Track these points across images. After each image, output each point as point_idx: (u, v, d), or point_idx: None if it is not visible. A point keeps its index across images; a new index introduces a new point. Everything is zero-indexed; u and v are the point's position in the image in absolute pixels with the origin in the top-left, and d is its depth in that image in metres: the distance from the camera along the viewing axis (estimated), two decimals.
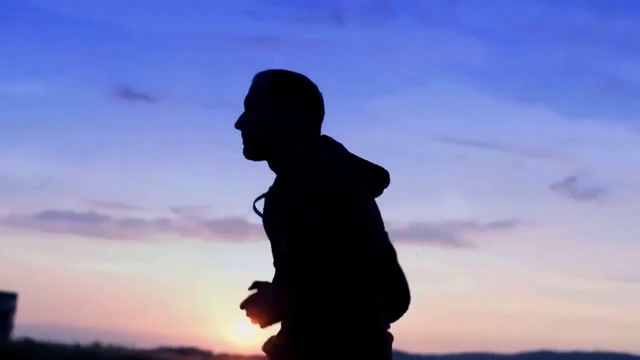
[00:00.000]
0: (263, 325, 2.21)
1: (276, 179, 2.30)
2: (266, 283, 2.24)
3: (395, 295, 2.38)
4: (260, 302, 2.17)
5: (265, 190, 2.33)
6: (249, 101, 2.46)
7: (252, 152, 2.44)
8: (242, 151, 2.45)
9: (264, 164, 2.46)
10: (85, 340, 25.03)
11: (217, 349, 25.85)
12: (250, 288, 2.23)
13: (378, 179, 2.42)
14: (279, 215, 2.22)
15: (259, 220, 2.35)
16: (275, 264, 2.33)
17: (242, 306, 2.21)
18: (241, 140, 2.46)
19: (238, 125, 2.46)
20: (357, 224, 2.23)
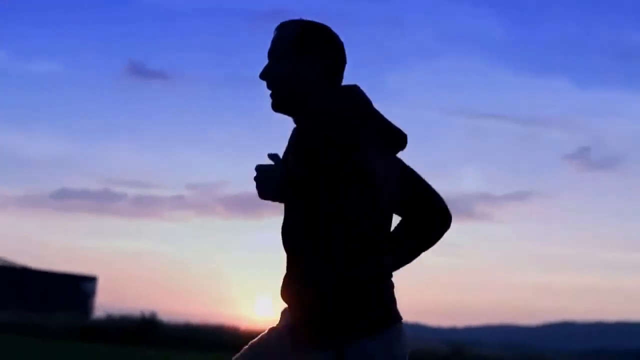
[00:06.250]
0: (261, 196, 2.34)
1: (297, 127, 2.41)
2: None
3: (431, 220, 2.45)
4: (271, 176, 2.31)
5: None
6: (273, 52, 2.49)
7: (280, 104, 2.47)
8: (270, 104, 2.48)
9: (283, 124, 2.49)
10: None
11: (241, 326, 25.90)
12: (270, 156, 2.36)
13: (395, 140, 2.43)
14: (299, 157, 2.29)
15: None
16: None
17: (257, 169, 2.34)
18: (266, 91, 2.48)
19: (263, 76, 2.49)
20: (359, 177, 2.27)
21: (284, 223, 2.41)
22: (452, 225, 2.47)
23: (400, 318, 2.37)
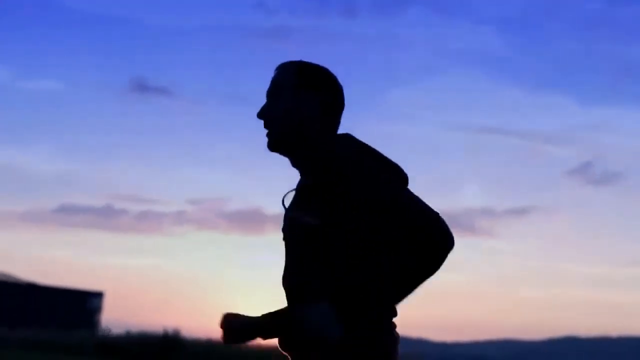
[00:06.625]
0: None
1: (310, 177, 2.38)
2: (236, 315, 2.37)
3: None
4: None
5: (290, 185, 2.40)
6: (273, 90, 2.47)
7: (279, 140, 2.45)
8: (266, 144, 2.46)
9: (280, 156, 2.48)
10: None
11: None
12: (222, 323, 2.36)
13: (399, 176, 2.38)
14: (316, 212, 2.31)
15: (279, 213, 2.41)
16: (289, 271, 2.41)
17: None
18: (263, 131, 2.47)
19: (261, 114, 2.47)
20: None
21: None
22: (455, 241, 2.32)
23: None
